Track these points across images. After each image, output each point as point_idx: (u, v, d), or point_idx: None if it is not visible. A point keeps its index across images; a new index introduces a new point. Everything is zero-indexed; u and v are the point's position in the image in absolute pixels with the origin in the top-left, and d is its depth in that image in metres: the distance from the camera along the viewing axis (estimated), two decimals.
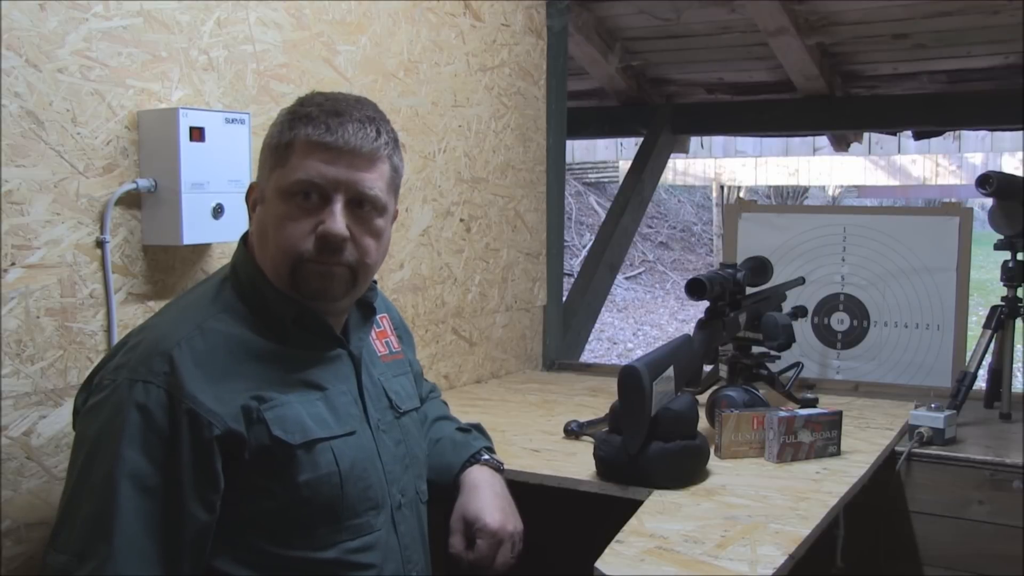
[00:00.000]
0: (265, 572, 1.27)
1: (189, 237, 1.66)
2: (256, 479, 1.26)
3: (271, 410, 1.26)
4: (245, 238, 1.40)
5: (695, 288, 2.00)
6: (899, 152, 7.94)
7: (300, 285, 1.32)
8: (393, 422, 1.44)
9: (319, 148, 1.29)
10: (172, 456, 1.20)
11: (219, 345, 1.27)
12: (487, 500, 1.54)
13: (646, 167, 4.37)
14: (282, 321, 1.34)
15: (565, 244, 4.37)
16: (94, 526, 1.19)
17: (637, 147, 4.60)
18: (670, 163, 6.73)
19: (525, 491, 1.78)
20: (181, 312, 1.33)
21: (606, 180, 14.59)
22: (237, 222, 1.74)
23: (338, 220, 1.29)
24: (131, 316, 1.68)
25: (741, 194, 12.25)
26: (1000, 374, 2.43)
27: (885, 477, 2.05)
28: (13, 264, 1.50)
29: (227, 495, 1.24)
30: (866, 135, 5.57)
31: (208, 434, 1.22)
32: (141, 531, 1.18)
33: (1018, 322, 2.41)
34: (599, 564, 1.33)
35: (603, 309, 4.86)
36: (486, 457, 1.62)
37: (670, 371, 1.73)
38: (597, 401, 2.31)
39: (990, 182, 2.30)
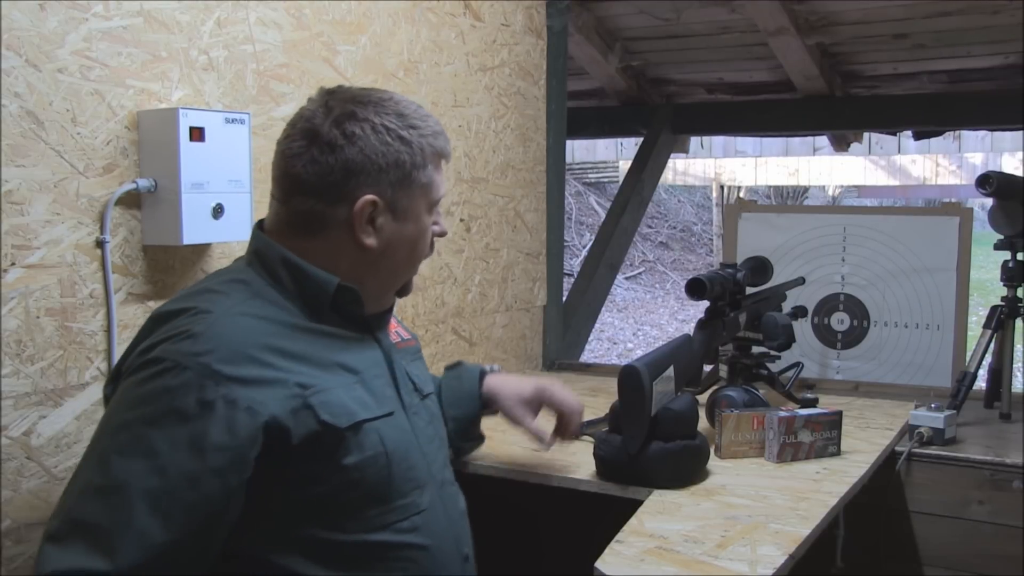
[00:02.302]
0: (321, 559, 1.27)
1: (189, 237, 1.66)
2: (305, 466, 1.25)
3: (316, 395, 1.26)
4: (259, 226, 1.40)
5: (695, 288, 2.00)
6: (899, 152, 7.95)
7: (407, 286, 1.44)
8: (420, 404, 1.46)
9: (442, 158, 1.39)
10: (203, 439, 1.17)
11: (257, 331, 1.26)
12: (532, 384, 1.75)
13: (646, 167, 4.37)
14: (316, 307, 1.33)
15: (565, 244, 4.37)
16: (97, 496, 1.16)
17: (637, 147, 4.59)
18: (670, 163, 6.73)
19: (525, 491, 1.78)
20: (213, 297, 1.30)
21: (606, 180, 14.59)
22: (237, 222, 1.75)
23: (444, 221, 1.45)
24: (131, 316, 1.68)
25: (741, 194, 12.25)
26: (1000, 374, 2.44)
27: (885, 477, 2.05)
28: (13, 264, 1.50)
29: (276, 485, 1.24)
30: (866, 135, 5.57)
31: (248, 420, 1.19)
32: (147, 509, 1.15)
33: (1018, 322, 2.41)
34: (599, 564, 1.33)
35: (603, 309, 4.85)
36: (491, 367, 1.77)
37: (670, 371, 1.73)
38: (597, 401, 2.31)
39: (990, 182, 2.30)
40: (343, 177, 1.31)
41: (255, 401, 1.20)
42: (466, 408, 1.73)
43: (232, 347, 1.22)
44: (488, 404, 1.74)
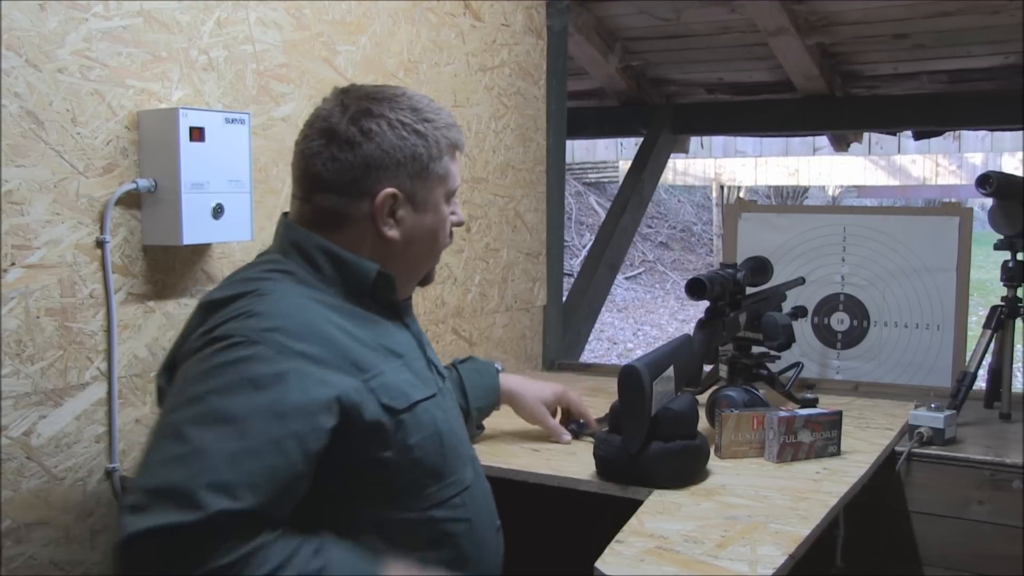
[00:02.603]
0: (390, 538, 1.30)
1: (189, 237, 1.66)
2: (369, 449, 1.27)
3: (374, 379, 1.29)
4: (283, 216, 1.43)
5: (695, 288, 2.00)
6: (899, 152, 7.94)
7: (430, 275, 1.48)
8: (444, 385, 1.51)
9: (457, 149, 1.43)
10: (281, 404, 1.16)
11: (317, 312, 1.29)
12: (552, 387, 1.97)
13: (646, 167, 4.36)
14: (355, 294, 1.36)
15: (565, 244, 4.37)
16: (177, 464, 1.11)
17: (637, 147, 4.59)
18: (670, 163, 6.73)
19: (525, 491, 1.78)
20: (265, 283, 1.30)
21: (606, 180, 14.59)
22: (237, 222, 1.75)
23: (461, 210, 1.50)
24: (131, 316, 1.68)
25: (741, 194, 12.25)
26: (1000, 374, 2.43)
27: (885, 477, 2.05)
28: (13, 264, 1.50)
29: (345, 466, 1.26)
30: (866, 135, 5.57)
31: (322, 391, 1.20)
32: (225, 461, 1.11)
33: (1018, 322, 2.41)
34: (599, 564, 1.33)
35: (603, 309, 4.85)
36: (500, 367, 1.92)
37: (670, 371, 1.73)
38: (597, 401, 2.30)
39: (990, 182, 2.30)
40: (363, 173, 1.34)
41: (325, 375, 1.22)
42: (487, 400, 1.86)
43: (298, 325, 1.24)
44: (502, 400, 1.89)
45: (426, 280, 1.49)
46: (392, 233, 1.37)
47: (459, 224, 1.48)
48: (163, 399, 1.31)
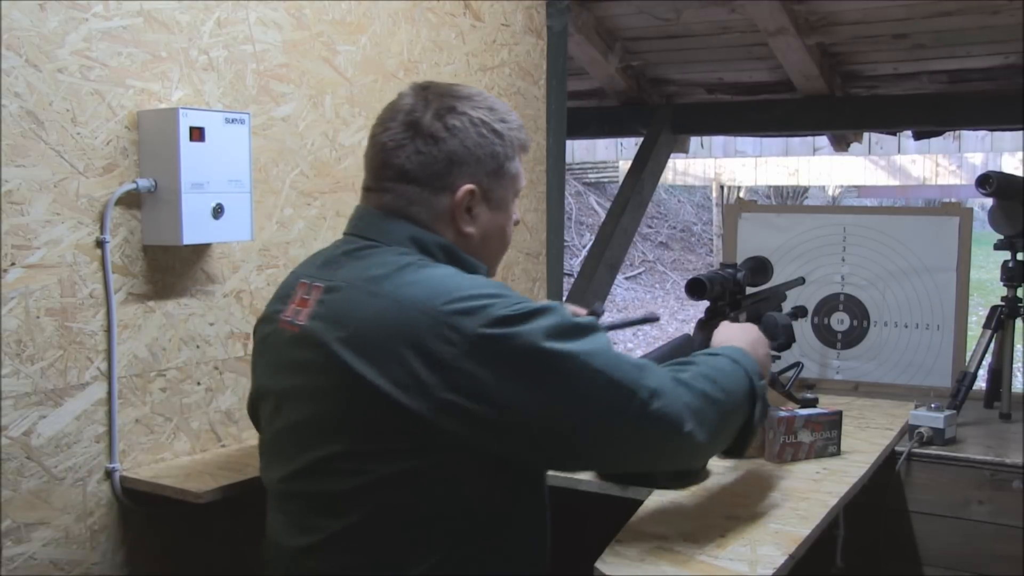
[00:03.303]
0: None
1: (189, 237, 1.66)
2: None
3: None
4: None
5: (695, 288, 2.00)
6: (899, 152, 7.95)
7: (493, 272, 1.48)
8: None
9: (524, 151, 1.46)
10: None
11: None
12: None
13: (646, 167, 4.36)
14: None
15: (565, 244, 4.36)
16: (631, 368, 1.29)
17: (637, 147, 4.59)
18: (670, 163, 6.72)
19: None
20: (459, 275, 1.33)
21: (606, 180, 14.59)
22: (237, 222, 1.75)
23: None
24: (131, 316, 1.68)
25: (741, 194, 12.25)
26: (1000, 374, 2.44)
27: (885, 477, 2.05)
28: (13, 264, 1.50)
29: None
30: (866, 135, 5.56)
31: None
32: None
33: (1018, 322, 2.42)
34: (599, 564, 1.33)
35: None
36: None
37: None
38: None
39: (990, 182, 2.30)
40: (445, 167, 1.37)
41: None
42: None
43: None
44: None
45: (489, 277, 1.50)
46: (469, 229, 1.40)
47: (517, 223, 1.51)
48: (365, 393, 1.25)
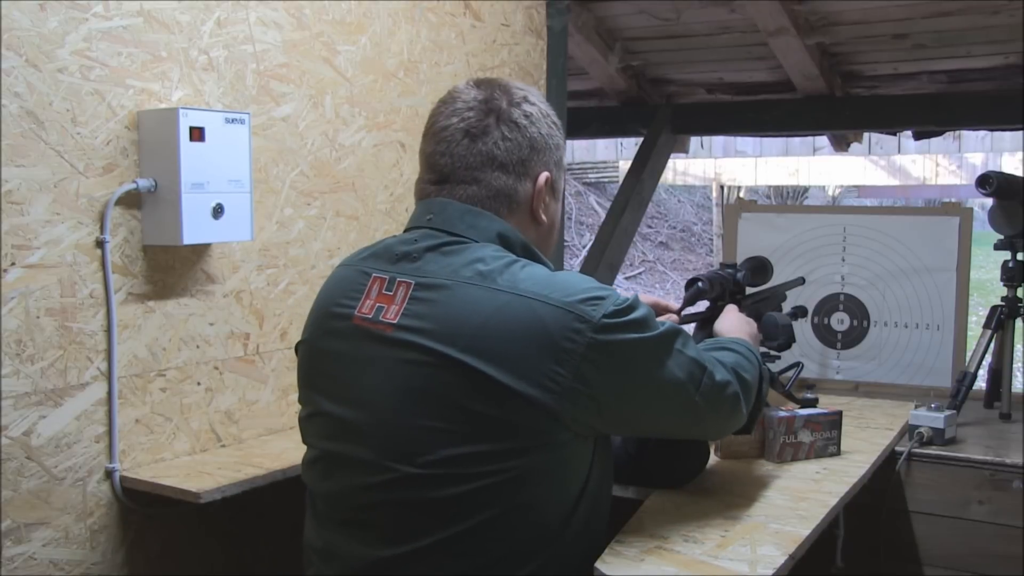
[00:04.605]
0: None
1: (189, 237, 1.66)
2: None
3: None
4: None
5: (694, 289, 1.99)
6: (899, 152, 7.94)
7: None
8: None
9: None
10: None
11: None
12: None
13: (646, 167, 4.36)
14: None
15: (565, 244, 4.36)
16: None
17: (637, 147, 4.59)
18: (670, 163, 6.72)
19: None
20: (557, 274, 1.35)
21: (606, 180, 14.59)
22: (237, 222, 1.75)
23: None
24: (131, 316, 1.68)
25: (741, 194, 12.25)
26: (1000, 374, 2.44)
27: (885, 477, 2.05)
28: (13, 264, 1.50)
29: None
30: (866, 135, 5.56)
31: None
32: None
33: (1018, 322, 2.41)
34: (599, 564, 1.33)
35: None
36: None
37: None
38: None
39: (990, 182, 2.30)
40: (529, 154, 1.39)
41: None
42: None
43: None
44: None
45: None
46: (543, 217, 1.42)
47: None
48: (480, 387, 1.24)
